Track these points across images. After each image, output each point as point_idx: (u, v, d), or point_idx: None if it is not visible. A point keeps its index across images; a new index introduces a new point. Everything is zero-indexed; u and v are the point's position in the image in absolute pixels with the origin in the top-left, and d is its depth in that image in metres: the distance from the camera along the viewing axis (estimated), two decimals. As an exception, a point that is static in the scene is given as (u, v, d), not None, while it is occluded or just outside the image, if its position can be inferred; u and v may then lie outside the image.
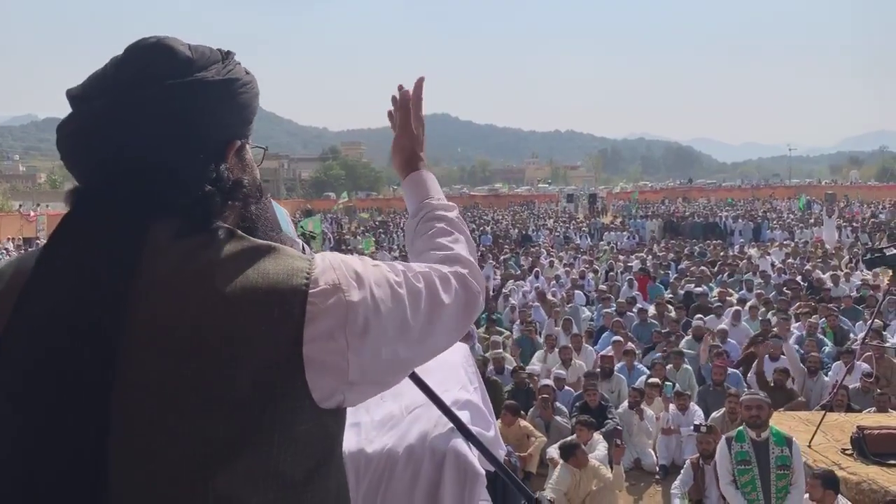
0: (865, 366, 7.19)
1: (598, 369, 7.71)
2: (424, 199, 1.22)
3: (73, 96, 0.90)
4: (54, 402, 0.76)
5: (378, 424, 1.58)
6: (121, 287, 0.79)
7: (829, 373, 7.59)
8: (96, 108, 0.87)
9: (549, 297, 11.90)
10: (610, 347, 8.44)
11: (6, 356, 0.78)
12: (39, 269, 0.83)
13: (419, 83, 1.29)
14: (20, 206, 39.35)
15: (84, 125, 0.88)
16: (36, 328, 0.79)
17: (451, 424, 1.40)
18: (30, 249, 0.95)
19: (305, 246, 1.19)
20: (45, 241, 0.88)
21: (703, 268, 14.64)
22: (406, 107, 1.29)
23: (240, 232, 0.89)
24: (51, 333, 0.78)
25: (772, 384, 6.96)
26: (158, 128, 0.86)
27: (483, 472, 1.51)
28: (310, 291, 0.82)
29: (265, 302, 0.80)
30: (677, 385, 7.25)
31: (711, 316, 9.94)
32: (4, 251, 22.64)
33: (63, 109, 0.93)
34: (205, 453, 0.77)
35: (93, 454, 0.75)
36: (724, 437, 4.94)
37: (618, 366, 7.96)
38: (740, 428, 4.82)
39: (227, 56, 0.95)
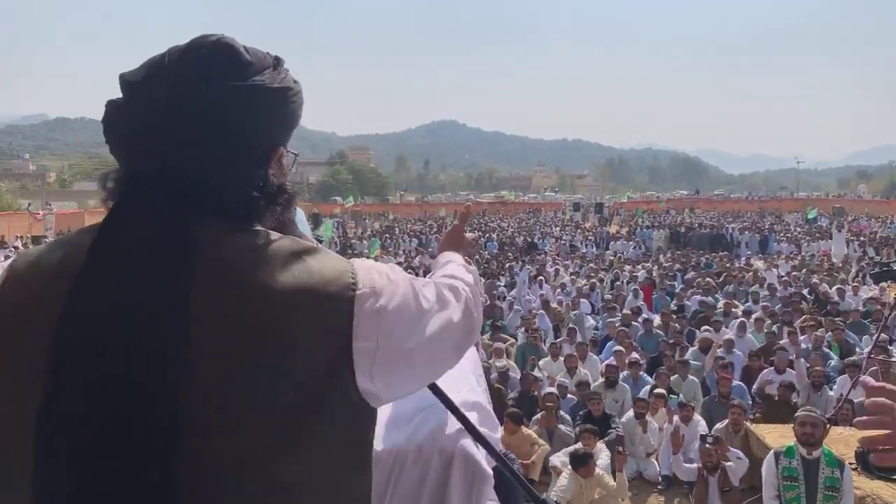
0: (870, 379, 7.16)
1: (603, 378, 7.73)
2: (451, 259, 1.35)
3: (130, 82, 0.90)
4: (124, 397, 0.77)
5: (387, 423, 1.60)
6: (180, 285, 0.81)
7: (835, 386, 7.57)
8: (156, 98, 0.87)
9: (554, 305, 11.91)
10: (613, 358, 8.44)
11: (67, 348, 0.79)
12: (92, 263, 0.83)
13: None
14: (29, 204, 39.63)
15: (141, 114, 0.88)
16: (97, 322, 0.79)
17: (459, 425, 1.42)
18: (71, 233, 0.93)
19: (320, 245, 1.22)
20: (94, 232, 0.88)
21: (708, 279, 14.63)
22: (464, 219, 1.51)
23: (281, 234, 0.92)
24: (113, 330, 0.79)
25: (776, 398, 6.93)
26: (215, 127, 0.88)
27: (491, 472, 1.53)
28: (357, 292, 0.87)
29: (319, 300, 0.85)
30: (682, 396, 7.24)
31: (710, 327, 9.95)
32: (13, 249, 22.77)
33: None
34: (265, 443, 0.80)
35: (164, 449, 0.76)
36: (772, 451, 4.86)
37: (623, 374, 7.97)
38: (791, 444, 4.73)
39: (278, 63, 0.96)
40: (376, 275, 0.92)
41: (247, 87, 0.90)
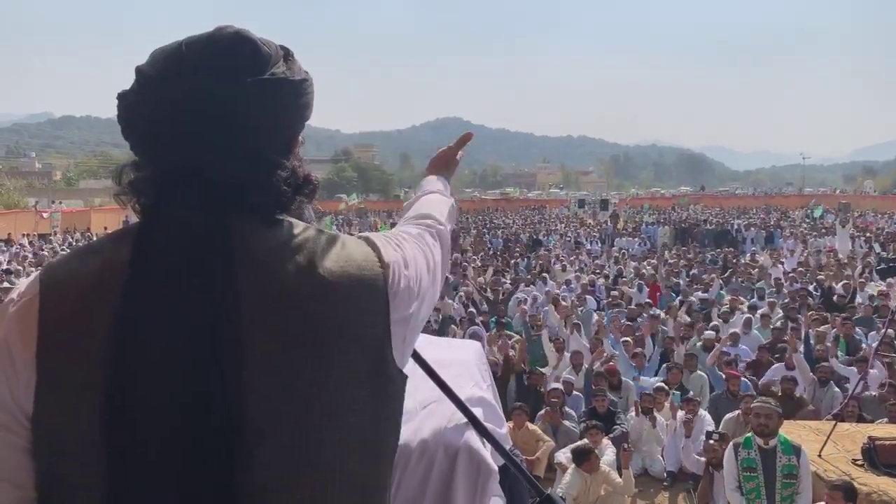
0: (877, 372, 7.14)
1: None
2: (432, 188, 1.38)
3: (149, 76, 0.88)
4: (189, 399, 0.78)
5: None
6: (228, 286, 0.81)
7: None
8: (181, 93, 0.86)
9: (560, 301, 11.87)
10: (617, 355, 8.46)
11: (128, 351, 0.79)
12: (139, 267, 0.83)
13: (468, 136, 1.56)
14: (36, 202, 39.76)
15: (165, 110, 0.87)
16: (154, 326, 0.79)
17: (464, 420, 1.42)
18: (97, 240, 0.91)
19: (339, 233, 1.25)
20: (122, 234, 0.88)
21: (713, 275, 14.56)
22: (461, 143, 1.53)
23: (307, 223, 0.94)
24: (170, 333, 0.79)
25: (779, 393, 6.91)
26: (244, 121, 0.88)
27: (496, 467, 1.52)
28: (386, 272, 0.91)
29: (360, 286, 0.87)
30: (691, 392, 7.24)
31: (716, 323, 9.94)
32: (20, 247, 22.85)
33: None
34: (325, 436, 0.83)
35: (226, 449, 0.78)
36: (731, 442, 4.94)
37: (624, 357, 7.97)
38: (748, 435, 4.81)
39: (287, 54, 0.97)
40: (392, 248, 0.96)
41: (272, 81, 0.90)
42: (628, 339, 8.83)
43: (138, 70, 0.90)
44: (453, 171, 1.51)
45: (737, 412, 6.35)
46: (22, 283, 0.88)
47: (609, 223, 30.60)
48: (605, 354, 8.12)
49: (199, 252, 0.82)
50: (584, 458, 5.35)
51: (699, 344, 8.88)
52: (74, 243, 23.28)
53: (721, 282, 13.99)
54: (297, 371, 0.81)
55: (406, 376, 0.95)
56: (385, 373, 0.90)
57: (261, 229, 0.88)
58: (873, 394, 6.93)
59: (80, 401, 0.79)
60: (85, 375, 0.79)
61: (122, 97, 0.90)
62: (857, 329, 9.55)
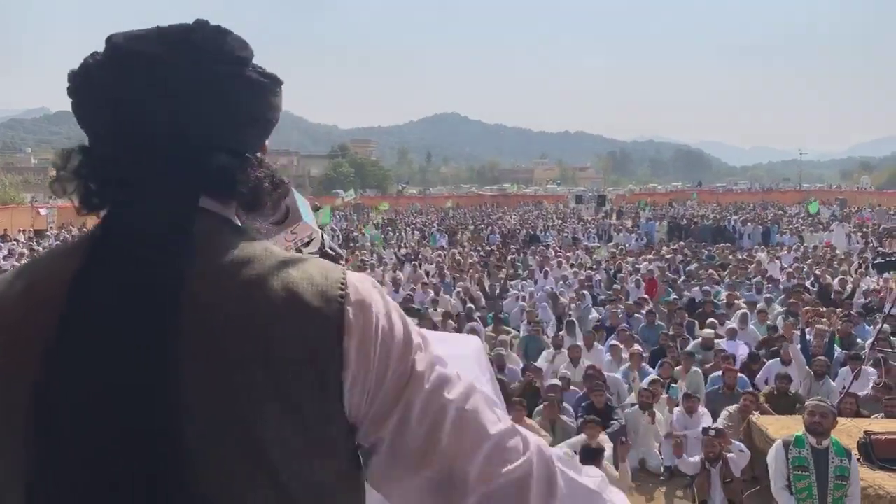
0: (872, 370, 7.15)
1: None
2: None
3: (121, 46, 0.81)
4: (116, 440, 0.71)
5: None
6: (175, 319, 0.74)
7: (837, 377, 7.57)
8: (165, 72, 0.80)
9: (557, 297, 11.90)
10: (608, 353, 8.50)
11: (66, 361, 0.73)
12: (88, 273, 0.77)
13: None
14: (32, 198, 39.63)
15: (143, 87, 0.80)
16: (85, 356, 0.73)
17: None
18: (34, 260, 0.86)
19: (324, 235, 1.23)
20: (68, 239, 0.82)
21: (711, 271, 14.58)
22: None
23: (267, 244, 0.88)
24: (105, 365, 0.72)
25: (774, 392, 6.89)
26: (226, 113, 0.84)
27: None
28: (346, 303, 0.80)
29: (310, 308, 0.78)
30: (685, 387, 7.24)
31: (713, 319, 9.97)
32: (15, 242, 22.81)
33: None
34: (258, 478, 0.75)
35: (169, 460, 0.71)
36: (780, 440, 4.86)
37: (623, 367, 8.00)
38: (799, 433, 4.73)
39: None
40: (370, 287, 0.85)
41: (260, 76, 0.86)
42: (616, 342, 8.79)
43: (108, 39, 0.83)
44: None
45: (735, 406, 6.35)
46: None
47: (606, 219, 30.64)
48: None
49: (151, 273, 0.75)
50: (593, 458, 5.33)
51: (697, 340, 8.90)
52: (71, 239, 23.20)
53: (718, 278, 14.03)
54: (226, 413, 0.74)
55: (361, 469, 0.84)
56: (334, 423, 0.79)
57: (220, 239, 0.82)
58: (865, 392, 6.92)
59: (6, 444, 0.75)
60: (7, 420, 0.74)
61: (81, 78, 0.84)
62: (865, 326, 9.56)
